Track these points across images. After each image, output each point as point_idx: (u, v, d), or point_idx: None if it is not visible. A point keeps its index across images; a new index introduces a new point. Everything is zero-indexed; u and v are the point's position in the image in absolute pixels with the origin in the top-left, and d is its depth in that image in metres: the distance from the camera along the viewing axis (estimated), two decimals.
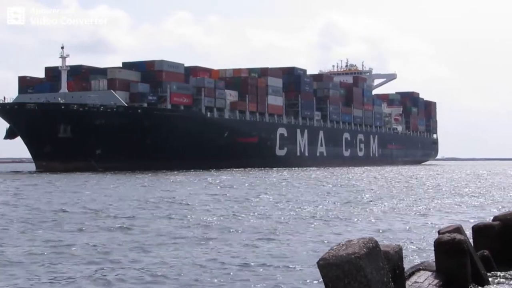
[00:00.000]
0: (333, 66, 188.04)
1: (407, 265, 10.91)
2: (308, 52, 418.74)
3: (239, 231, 26.90)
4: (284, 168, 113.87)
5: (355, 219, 31.51)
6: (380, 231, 27.03)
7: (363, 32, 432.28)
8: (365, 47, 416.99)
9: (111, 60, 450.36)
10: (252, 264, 19.57)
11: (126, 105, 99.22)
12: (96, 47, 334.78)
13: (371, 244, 7.77)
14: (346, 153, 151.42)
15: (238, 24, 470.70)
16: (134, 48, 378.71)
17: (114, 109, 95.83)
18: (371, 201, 43.39)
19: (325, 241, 23.68)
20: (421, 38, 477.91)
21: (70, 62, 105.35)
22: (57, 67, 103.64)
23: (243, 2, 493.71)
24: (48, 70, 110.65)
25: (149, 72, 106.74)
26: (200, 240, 24.69)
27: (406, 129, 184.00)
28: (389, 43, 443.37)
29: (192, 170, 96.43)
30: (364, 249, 7.46)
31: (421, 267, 11.04)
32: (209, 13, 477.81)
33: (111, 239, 24.91)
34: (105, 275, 18.28)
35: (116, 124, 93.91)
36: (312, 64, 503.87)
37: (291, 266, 19.21)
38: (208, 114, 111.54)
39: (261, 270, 18.70)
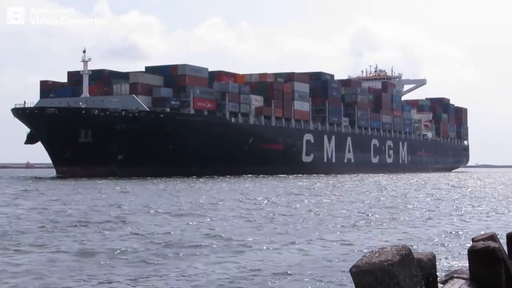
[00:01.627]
0: (362, 71, 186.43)
1: (440, 273, 10.89)
2: (339, 58, 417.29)
3: (271, 237, 26.64)
4: (311, 175, 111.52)
5: (388, 226, 31.27)
6: (414, 238, 26.71)
7: (395, 37, 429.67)
8: (397, 53, 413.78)
9: (141, 66, 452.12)
10: (282, 269, 19.66)
11: (148, 109, 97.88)
12: (127, 52, 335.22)
13: (404, 252, 7.64)
14: (375, 160, 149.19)
15: (269, 31, 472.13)
16: (164, 53, 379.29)
17: (136, 114, 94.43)
18: (404, 207, 42.72)
19: (358, 248, 23.56)
20: (452, 44, 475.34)
21: (97, 67, 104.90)
22: (79, 71, 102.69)
23: (275, 8, 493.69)
24: (70, 74, 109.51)
25: (172, 76, 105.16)
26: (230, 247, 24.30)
27: (436, 136, 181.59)
28: (421, 48, 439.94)
29: (214, 176, 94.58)
30: (397, 257, 7.40)
31: (454, 275, 10.73)
32: (240, 19, 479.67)
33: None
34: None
35: (138, 129, 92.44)
36: (344, 71, 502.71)
37: (322, 273, 19.13)
38: (233, 119, 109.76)
39: (291, 276, 18.65)
